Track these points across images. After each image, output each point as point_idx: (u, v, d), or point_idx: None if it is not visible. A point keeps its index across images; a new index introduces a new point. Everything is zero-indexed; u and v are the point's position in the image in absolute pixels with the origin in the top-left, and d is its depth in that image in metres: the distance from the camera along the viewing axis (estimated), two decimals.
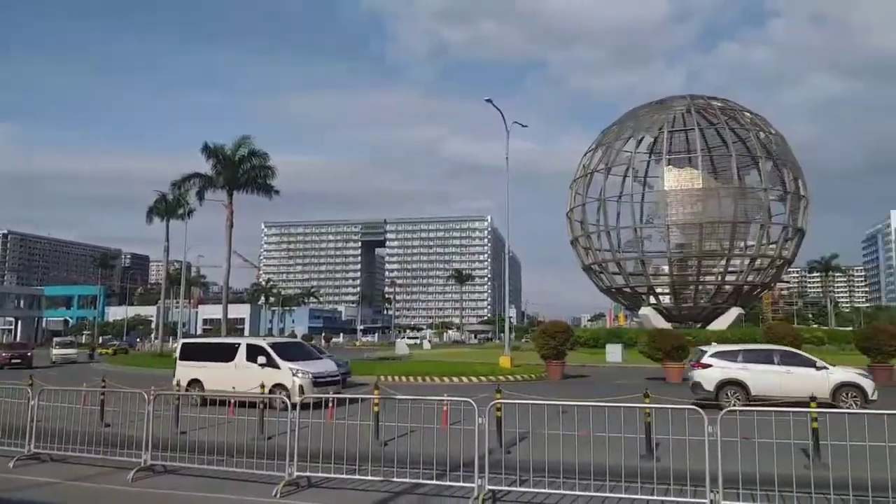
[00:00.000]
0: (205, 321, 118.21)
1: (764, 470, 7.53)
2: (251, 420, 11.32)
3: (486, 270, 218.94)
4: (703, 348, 19.38)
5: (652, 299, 60.88)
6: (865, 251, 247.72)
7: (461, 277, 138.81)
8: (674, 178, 57.65)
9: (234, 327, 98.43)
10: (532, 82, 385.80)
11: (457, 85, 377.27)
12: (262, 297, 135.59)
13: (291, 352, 18.48)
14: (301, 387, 16.15)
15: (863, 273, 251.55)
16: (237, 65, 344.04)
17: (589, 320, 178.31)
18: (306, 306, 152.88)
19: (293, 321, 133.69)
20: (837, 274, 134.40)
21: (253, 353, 17.62)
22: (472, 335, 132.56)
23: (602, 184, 58.99)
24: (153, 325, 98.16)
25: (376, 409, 11.12)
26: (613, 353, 41.41)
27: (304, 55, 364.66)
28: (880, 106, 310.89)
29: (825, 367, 17.35)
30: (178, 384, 17.23)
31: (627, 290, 62.04)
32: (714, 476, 6.86)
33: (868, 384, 16.89)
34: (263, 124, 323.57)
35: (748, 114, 58.50)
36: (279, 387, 16.31)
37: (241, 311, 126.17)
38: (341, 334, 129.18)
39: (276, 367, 17.05)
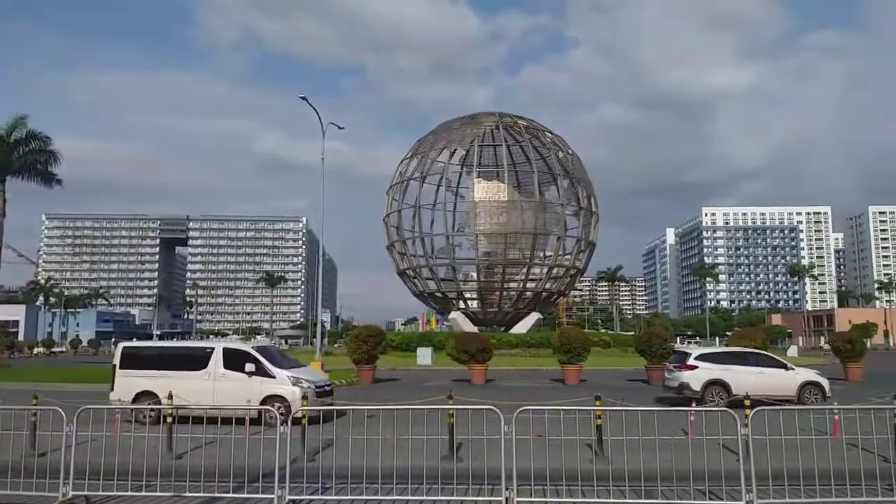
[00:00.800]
0: None
1: (554, 465, 8.05)
2: (18, 435, 10.00)
3: (300, 273, 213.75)
4: (686, 349, 20.64)
5: (461, 304, 63.48)
6: (645, 264, 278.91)
7: (272, 280, 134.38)
8: (482, 190, 60.92)
9: (7, 330, 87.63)
10: (350, 85, 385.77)
11: (271, 79, 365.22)
12: (41, 297, 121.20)
13: (277, 358, 16.25)
14: (305, 397, 14.30)
15: (643, 283, 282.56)
16: (19, 36, 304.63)
17: (403, 324, 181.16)
18: (94, 308, 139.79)
19: (78, 324, 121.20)
20: (622, 284, 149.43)
21: (235, 359, 15.25)
22: (283, 341, 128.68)
23: (417, 191, 60.69)
24: None
25: (169, 419, 10.35)
26: (424, 356, 42.48)
27: (97, 32, 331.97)
28: (658, 134, 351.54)
29: (793, 369, 19.61)
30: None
31: (439, 294, 64.06)
32: (509, 473, 7.15)
33: (825, 382, 19.20)
34: (48, 105, 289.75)
35: (549, 134, 63.38)
36: (274, 398, 14.37)
37: (14, 311, 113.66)
38: (134, 339, 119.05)
39: (270, 375, 14.97)
